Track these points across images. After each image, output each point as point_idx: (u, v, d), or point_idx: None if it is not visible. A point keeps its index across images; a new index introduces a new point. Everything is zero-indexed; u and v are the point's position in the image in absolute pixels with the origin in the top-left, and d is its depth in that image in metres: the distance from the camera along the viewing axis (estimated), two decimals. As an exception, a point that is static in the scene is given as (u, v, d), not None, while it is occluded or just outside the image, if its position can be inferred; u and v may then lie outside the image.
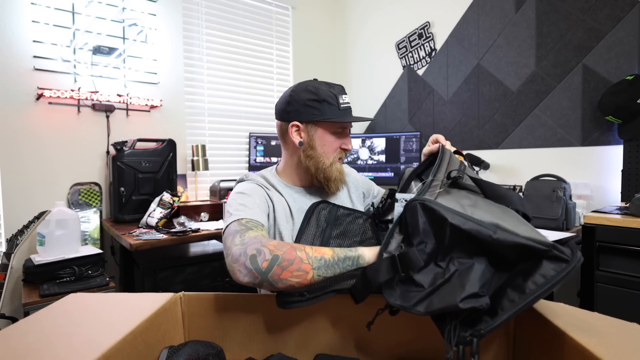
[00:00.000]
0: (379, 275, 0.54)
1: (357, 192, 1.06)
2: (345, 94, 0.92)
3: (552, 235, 1.43)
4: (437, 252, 0.54)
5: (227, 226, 0.77)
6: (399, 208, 0.62)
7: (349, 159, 2.51)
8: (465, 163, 0.79)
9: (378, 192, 1.11)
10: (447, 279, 0.50)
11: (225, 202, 1.83)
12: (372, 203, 1.08)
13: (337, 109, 0.88)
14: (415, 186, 0.77)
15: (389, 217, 0.82)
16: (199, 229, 1.75)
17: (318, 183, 0.94)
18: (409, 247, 0.55)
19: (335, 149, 0.92)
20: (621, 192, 1.59)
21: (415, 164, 2.28)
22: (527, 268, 0.49)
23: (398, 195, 0.63)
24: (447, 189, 0.62)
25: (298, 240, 0.81)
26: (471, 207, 0.55)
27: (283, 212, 0.90)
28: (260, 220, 0.78)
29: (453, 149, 0.84)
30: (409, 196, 0.62)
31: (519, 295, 0.48)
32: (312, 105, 0.88)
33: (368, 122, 2.80)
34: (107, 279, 1.62)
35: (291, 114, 0.90)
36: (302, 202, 0.94)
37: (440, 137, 0.87)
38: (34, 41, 1.85)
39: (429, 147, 0.88)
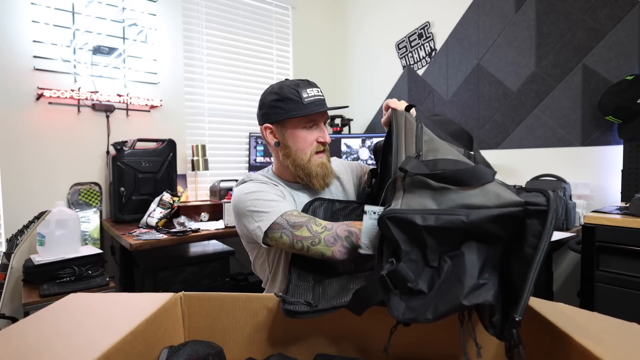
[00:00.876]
0: (373, 297, 0.54)
1: (349, 181, 1.06)
2: (313, 87, 0.92)
3: (552, 236, 1.43)
4: (425, 254, 0.53)
5: (276, 220, 0.81)
6: (369, 221, 0.62)
7: (349, 159, 2.51)
8: (416, 116, 0.77)
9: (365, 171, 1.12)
10: (445, 278, 0.50)
11: (225, 202, 1.83)
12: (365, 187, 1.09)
13: (300, 104, 0.89)
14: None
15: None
16: (199, 229, 1.75)
17: (302, 180, 0.95)
18: (397, 261, 0.54)
19: (311, 143, 0.93)
20: (621, 192, 1.59)
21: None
22: (516, 233, 0.48)
23: (366, 208, 0.62)
24: (411, 182, 0.59)
25: None
26: (439, 195, 0.54)
27: (292, 204, 0.93)
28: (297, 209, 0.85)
29: (403, 105, 0.81)
30: (376, 208, 0.61)
31: (525, 265, 0.46)
32: (276, 105, 0.90)
33: (368, 122, 2.81)
34: (107, 279, 1.62)
35: (263, 117, 0.94)
36: (303, 197, 0.96)
37: (391, 102, 0.84)
38: (34, 41, 1.85)
39: (385, 116, 0.85)
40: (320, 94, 0.93)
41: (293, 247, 0.79)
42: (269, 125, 0.93)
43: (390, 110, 0.81)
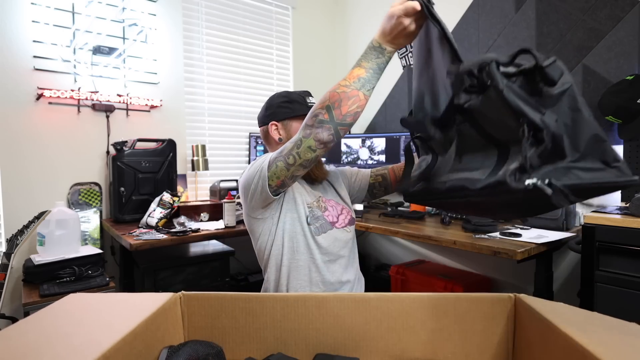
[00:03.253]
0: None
1: (340, 186, 1.18)
2: (312, 97, 1.10)
3: (552, 236, 1.43)
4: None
5: (270, 158, 0.93)
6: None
7: (349, 159, 2.51)
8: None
9: (357, 171, 1.24)
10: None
11: (225, 202, 1.83)
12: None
13: (305, 106, 1.06)
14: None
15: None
16: (199, 229, 1.75)
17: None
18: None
19: None
20: (621, 192, 1.59)
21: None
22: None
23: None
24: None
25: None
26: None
27: (288, 192, 1.04)
28: None
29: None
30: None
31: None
32: (284, 105, 1.07)
33: (368, 122, 2.81)
34: (107, 279, 1.62)
35: (269, 116, 1.08)
36: (305, 189, 1.07)
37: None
38: (34, 41, 1.85)
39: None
40: None
41: (288, 164, 0.89)
42: (275, 122, 1.07)
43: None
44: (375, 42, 0.79)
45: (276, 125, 1.08)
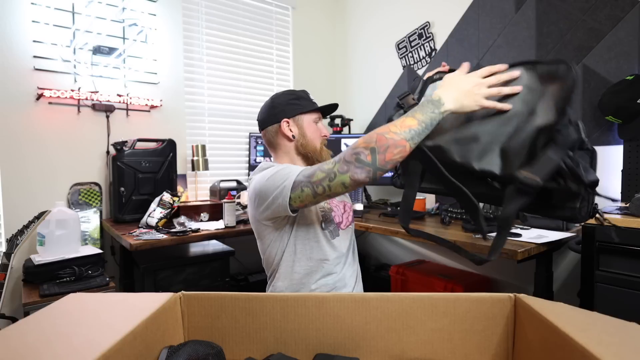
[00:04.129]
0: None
1: None
2: (310, 94, 1.14)
3: (552, 236, 1.43)
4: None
5: (295, 179, 0.89)
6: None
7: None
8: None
9: None
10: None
11: (225, 202, 1.83)
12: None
13: (311, 102, 1.10)
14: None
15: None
16: (199, 229, 1.75)
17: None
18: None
19: (319, 135, 1.11)
20: (621, 192, 1.59)
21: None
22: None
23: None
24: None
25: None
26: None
27: None
28: None
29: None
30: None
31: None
32: (293, 102, 1.08)
33: (368, 122, 2.81)
34: (107, 279, 1.61)
35: (279, 115, 1.08)
36: None
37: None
38: (34, 41, 1.85)
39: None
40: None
41: (316, 194, 0.85)
42: (287, 119, 1.08)
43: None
44: (437, 96, 0.76)
45: (288, 122, 1.07)
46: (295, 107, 1.07)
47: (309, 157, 1.09)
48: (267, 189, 0.94)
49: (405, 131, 0.74)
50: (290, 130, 1.08)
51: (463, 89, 0.74)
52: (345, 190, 0.83)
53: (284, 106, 1.08)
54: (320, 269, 1.02)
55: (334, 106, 1.16)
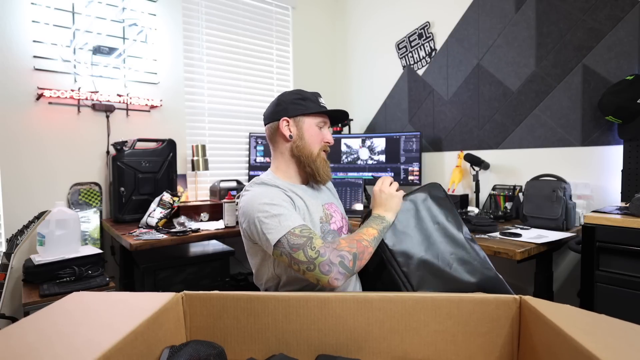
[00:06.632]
0: None
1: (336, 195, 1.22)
2: (322, 97, 1.10)
3: (552, 236, 1.43)
4: None
5: (280, 239, 0.87)
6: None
7: (349, 159, 2.51)
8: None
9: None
10: None
11: (225, 202, 1.83)
12: None
13: (318, 104, 1.06)
14: None
15: None
16: (199, 229, 1.74)
17: (310, 170, 1.05)
18: None
19: (320, 140, 1.06)
20: (621, 192, 1.59)
21: (415, 164, 2.29)
22: None
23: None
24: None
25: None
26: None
27: (301, 208, 1.00)
28: (305, 224, 0.90)
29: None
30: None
31: None
32: (297, 102, 1.05)
33: (368, 122, 2.81)
34: (107, 279, 1.61)
35: (280, 113, 1.05)
36: (310, 196, 1.05)
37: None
38: (34, 41, 1.84)
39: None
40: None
41: (291, 267, 0.87)
42: (287, 118, 1.04)
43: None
44: (377, 214, 0.97)
45: (287, 122, 1.04)
46: (298, 108, 1.04)
47: (301, 162, 1.04)
48: (256, 227, 0.91)
49: (372, 239, 0.90)
50: (289, 130, 1.04)
51: (390, 205, 0.98)
52: (315, 284, 0.85)
53: (287, 105, 1.05)
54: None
55: (344, 114, 1.12)
